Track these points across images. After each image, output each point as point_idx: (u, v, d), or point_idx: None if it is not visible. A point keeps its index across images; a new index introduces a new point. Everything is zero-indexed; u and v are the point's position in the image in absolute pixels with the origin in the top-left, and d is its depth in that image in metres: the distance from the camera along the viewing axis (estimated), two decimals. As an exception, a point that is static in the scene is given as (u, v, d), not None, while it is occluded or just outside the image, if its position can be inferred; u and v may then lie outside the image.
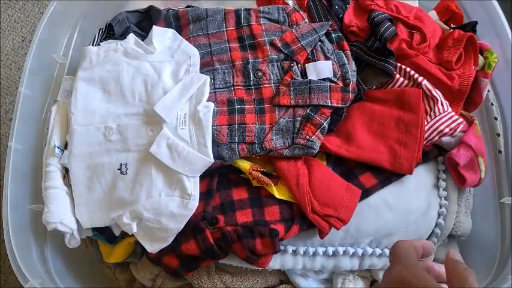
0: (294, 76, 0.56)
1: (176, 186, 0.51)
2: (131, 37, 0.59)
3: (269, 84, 0.56)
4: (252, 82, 0.57)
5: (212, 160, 0.51)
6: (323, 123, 0.53)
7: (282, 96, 0.55)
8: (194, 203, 0.51)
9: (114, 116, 0.54)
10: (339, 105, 0.55)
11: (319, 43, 0.57)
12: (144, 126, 0.54)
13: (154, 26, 0.59)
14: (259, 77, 0.57)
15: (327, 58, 0.56)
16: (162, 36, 0.59)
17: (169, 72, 0.56)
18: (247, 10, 0.60)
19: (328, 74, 0.55)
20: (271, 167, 0.55)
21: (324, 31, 0.58)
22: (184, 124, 0.53)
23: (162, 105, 0.52)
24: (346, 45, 0.58)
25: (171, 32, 0.59)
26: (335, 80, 0.55)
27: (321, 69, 0.56)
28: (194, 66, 0.56)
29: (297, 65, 0.56)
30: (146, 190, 0.51)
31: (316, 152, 0.53)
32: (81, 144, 0.54)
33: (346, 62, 0.56)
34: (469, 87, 0.58)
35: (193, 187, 0.51)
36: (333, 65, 0.56)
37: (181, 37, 0.59)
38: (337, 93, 0.55)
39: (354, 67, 0.57)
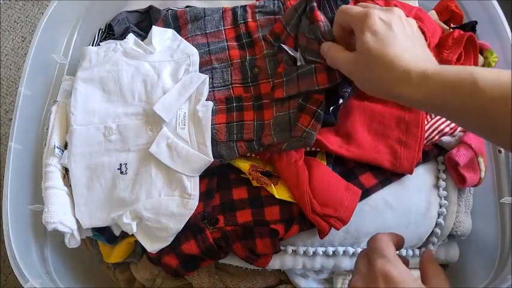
0: (285, 66, 0.55)
1: (176, 186, 0.51)
2: (131, 37, 0.59)
3: (266, 79, 0.56)
4: (249, 79, 0.57)
5: (212, 159, 0.51)
6: (317, 110, 0.51)
7: (276, 90, 0.54)
8: (194, 203, 0.51)
9: (113, 115, 0.54)
10: (328, 86, 0.50)
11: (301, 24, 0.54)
12: (144, 126, 0.54)
13: (153, 26, 0.59)
14: (256, 73, 0.56)
15: (306, 38, 0.53)
16: (161, 36, 0.59)
17: (169, 72, 0.56)
18: (244, 7, 0.60)
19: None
20: (271, 166, 0.55)
21: (303, 6, 0.54)
22: (184, 124, 0.53)
23: (161, 105, 0.52)
24: (317, 15, 0.51)
25: (170, 32, 0.59)
26: (318, 59, 0.51)
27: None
28: (193, 65, 0.56)
29: (287, 54, 0.55)
30: (146, 190, 0.51)
31: (313, 142, 0.51)
32: (81, 144, 0.54)
33: (319, 34, 0.50)
34: (469, 87, 0.58)
35: (193, 187, 0.51)
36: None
37: (180, 37, 0.59)
38: (321, 73, 0.51)
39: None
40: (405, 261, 0.44)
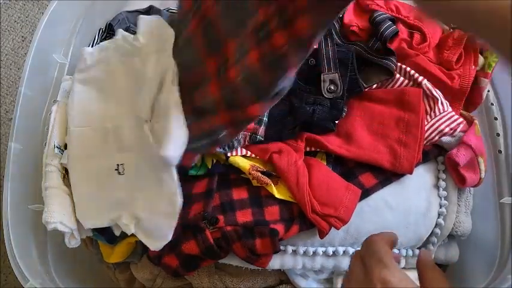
0: None
1: (165, 185, 0.51)
2: (119, 33, 0.56)
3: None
4: None
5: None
6: None
7: None
8: (179, 200, 0.49)
9: (110, 116, 0.54)
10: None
11: None
12: (140, 127, 0.53)
13: (140, 16, 0.54)
14: None
15: None
16: (148, 26, 0.55)
17: (155, 64, 0.53)
18: None
19: None
20: (271, 167, 0.55)
21: None
22: None
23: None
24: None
25: (159, 19, 0.56)
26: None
27: None
28: None
29: None
30: (141, 190, 0.51)
31: None
32: (79, 145, 0.53)
33: None
34: (469, 87, 0.58)
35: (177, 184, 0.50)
36: None
37: (167, 24, 0.55)
38: None
39: None
40: (397, 257, 0.44)
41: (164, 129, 0.46)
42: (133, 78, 0.54)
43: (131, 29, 0.62)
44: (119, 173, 0.52)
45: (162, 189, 0.50)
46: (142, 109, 0.51)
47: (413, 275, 0.59)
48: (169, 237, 0.51)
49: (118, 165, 0.53)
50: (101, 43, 0.59)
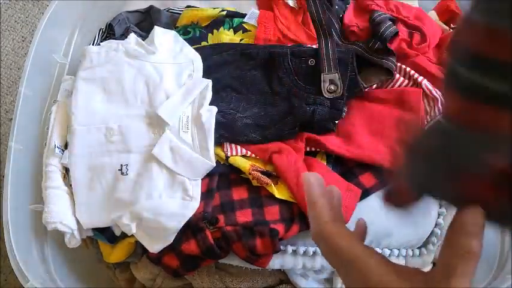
0: None
1: (177, 188, 0.51)
2: (132, 37, 0.58)
3: None
4: None
5: (214, 164, 0.51)
6: None
7: None
8: (195, 204, 0.51)
9: (115, 116, 0.54)
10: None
11: None
12: (146, 128, 0.53)
13: (155, 27, 0.59)
14: None
15: None
16: (163, 37, 0.58)
17: (171, 75, 0.56)
18: None
19: None
20: (271, 166, 0.55)
21: None
22: (187, 127, 0.53)
23: (165, 108, 0.52)
24: None
25: (172, 33, 0.59)
26: None
27: None
28: (197, 71, 0.56)
29: None
30: (146, 191, 0.51)
31: None
32: (82, 144, 0.54)
33: None
34: (469, 87, 0.58)
35: (195, 189, 0.51)
36: None
37: (182, 40, 0.59)
38: None
39: None
40: (363, 228, 0.40)
41: (206, 142, 0.52)
42: (144, 82, 0.55)
43: (132, 29, 0.62)
44: (122, 173, 0.52)
45: (177, 190, 0.51)
46: (166, 115, 0.52)
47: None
48: (171, 240, 0.51)
49: (122, 165, 0.53)
50: (108, 43, 0.59)
